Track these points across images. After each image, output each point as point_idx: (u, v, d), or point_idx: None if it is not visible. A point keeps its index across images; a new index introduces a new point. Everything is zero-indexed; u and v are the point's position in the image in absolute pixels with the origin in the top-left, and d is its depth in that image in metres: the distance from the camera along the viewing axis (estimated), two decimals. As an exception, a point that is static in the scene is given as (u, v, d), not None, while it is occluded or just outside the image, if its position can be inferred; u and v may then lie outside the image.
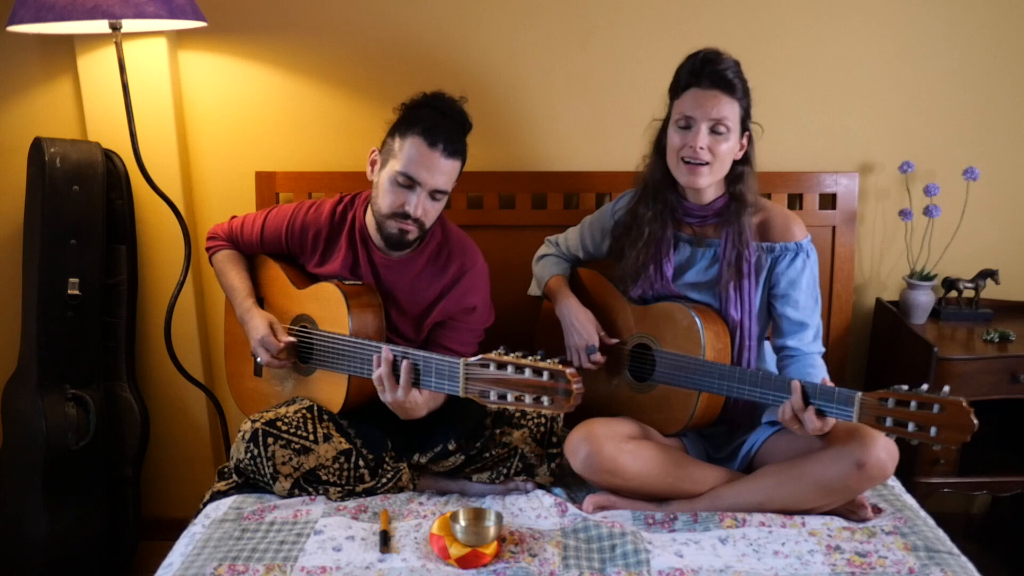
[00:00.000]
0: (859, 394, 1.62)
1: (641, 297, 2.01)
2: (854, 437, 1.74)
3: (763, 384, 1.76)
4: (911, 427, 1.56)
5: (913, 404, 1.56)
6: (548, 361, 1.56)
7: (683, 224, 1.98)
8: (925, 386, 1.56)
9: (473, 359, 1.63)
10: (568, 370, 1.53)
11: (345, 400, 1.91)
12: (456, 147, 1.86)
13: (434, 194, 1.87)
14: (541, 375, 1.55)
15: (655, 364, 1.94)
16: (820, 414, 1.68)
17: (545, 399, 1.54)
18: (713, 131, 1.83)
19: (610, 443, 1.83)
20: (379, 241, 1.96)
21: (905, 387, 1.58)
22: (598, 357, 1.98)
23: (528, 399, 1.56)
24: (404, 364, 1.75)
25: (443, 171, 1.85)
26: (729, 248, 1.90)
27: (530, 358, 1.58)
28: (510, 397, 1.58)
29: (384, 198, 1.88)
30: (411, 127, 1.85)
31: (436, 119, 1.86)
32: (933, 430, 1.54)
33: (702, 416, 1.91)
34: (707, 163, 1.84)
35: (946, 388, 1.56)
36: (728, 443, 1.99)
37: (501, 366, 1.59)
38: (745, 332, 1.92)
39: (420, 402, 1.79)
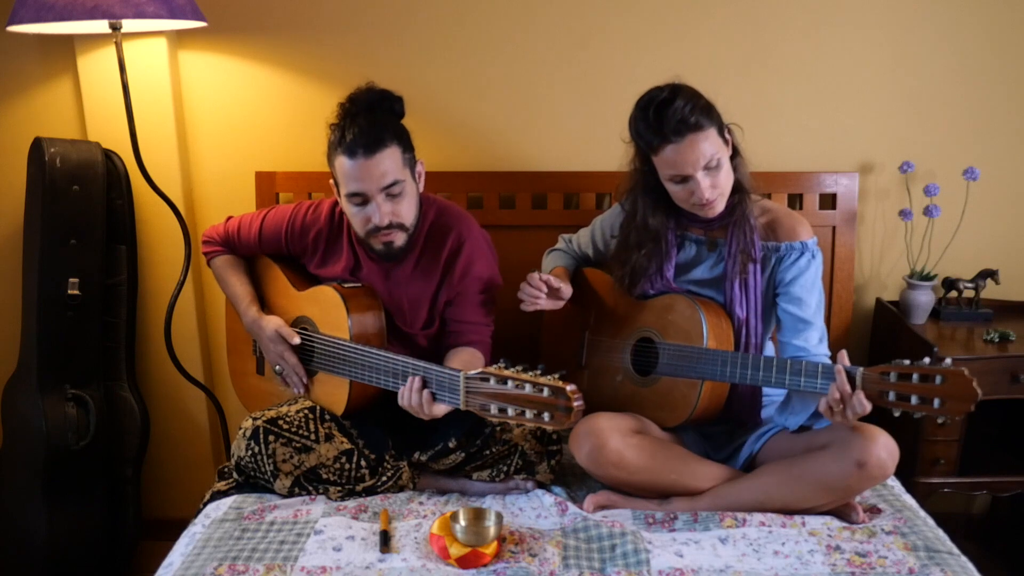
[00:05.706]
0: (861, 369, 1.62)
1: (643, 294, 2.01)
2: (855, 436, 1.74)
3: (765, 367, 1.75)
4: (914, 400, 1.55)
5: (915, 377, 1.55)
6: (548, 377, 1.54)
7: (690, 226, 1.98)
8: (927, 360, 1.55)
9: (473, 372, 1.62)
10: (569, 387, 1.51)
11: (347, 404, 1.91)
12: (371, 139, 1.79)
13: (387, 192, 1.83)
14: (542, 391, 1.53)
15: (658, 356, 1.95)
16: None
17: (546, 415, 1.53)
18: (707, 167, 1.80)
19: (615, 437, 1.83)
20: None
21: (907, 361, 1.57)
22: (535, 279, 1.92)
23: (529, 414, 1.54)
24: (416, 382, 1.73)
25: (377, 171, 1.80)
26: (735, 242, 1.89)
27: (531, 373, 1.56)
28: (511, 412, 1.56)
29: (354, 222, 1.89)
30: (332, 149, 1.84)
31: (344, 126, 1.82)
32: (936, 402, 1.53)
33: (705, 407, 1.90)
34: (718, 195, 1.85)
35: (948, 360, 1.54)
36: (728, 444, 1.99)
37: (501, 380, 1.58)
38: (751, 330, 1.91)
39: (444, 410, 1.76)
